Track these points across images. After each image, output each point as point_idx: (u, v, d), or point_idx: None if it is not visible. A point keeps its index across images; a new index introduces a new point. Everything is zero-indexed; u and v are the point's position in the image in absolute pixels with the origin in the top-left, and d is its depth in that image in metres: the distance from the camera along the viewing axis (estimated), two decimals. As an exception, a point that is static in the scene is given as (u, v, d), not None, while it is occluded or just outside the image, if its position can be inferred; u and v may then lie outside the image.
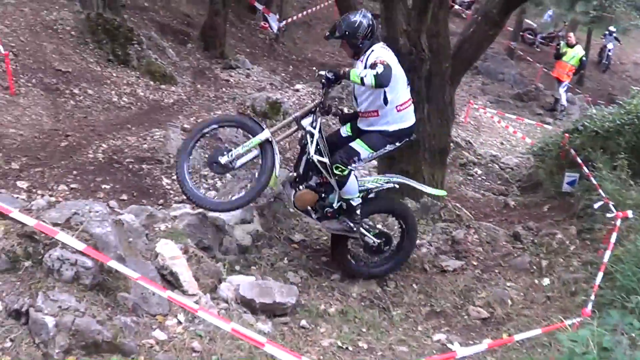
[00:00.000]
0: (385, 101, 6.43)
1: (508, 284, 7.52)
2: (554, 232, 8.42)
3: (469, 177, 13.09)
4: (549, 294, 7.24)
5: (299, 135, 6.79)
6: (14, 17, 13.24)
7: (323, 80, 6.35)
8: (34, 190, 8.39)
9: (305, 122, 6.58)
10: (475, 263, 7.82)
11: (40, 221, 5.62)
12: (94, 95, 12.08)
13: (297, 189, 6.84)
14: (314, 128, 6.57)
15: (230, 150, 6.60)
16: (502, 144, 16.66)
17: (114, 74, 13.01)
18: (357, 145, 6.57)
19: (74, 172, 9.07)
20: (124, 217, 6.52)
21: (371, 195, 7.03)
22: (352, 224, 6.88)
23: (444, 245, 8.04)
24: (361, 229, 7.01)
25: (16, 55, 12.11)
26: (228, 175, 8.23)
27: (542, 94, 21.20)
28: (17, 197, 7.59)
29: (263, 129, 6.52)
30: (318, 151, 6.60)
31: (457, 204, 8.93)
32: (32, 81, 11.78)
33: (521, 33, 27.21)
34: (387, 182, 6.99)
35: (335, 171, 6.52)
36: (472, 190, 12.27)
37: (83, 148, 9.97)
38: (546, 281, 7.53)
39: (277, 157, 6.57)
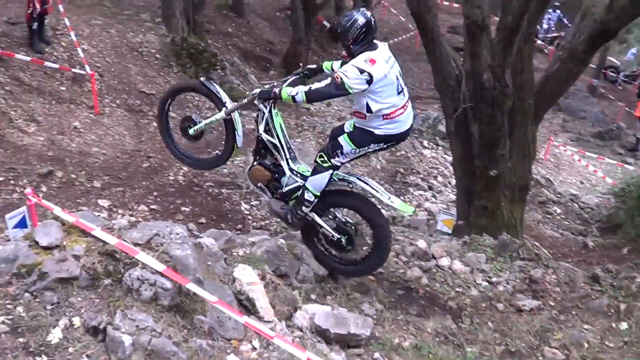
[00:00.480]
0: (369, 110, 6.26)
1: (585, 326, 7.27)
2: (634, 275, 8.13)
3: (548, 216, 12.83)
4: (626, 338, 6.97)
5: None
6: (100, 38, 13.57)
7: (256, 101, 6.55)
8: (114, 209, 8.54)
9: (259, 101, 6.61)
10: (552, 303, 7.61)
11: (121, 240, 5.69)
12: (176, 118, 12.21)
13: (252, 165, 7.01)
14: (265, 107, 6.62)
15: (197, 123, 7.19)
16: (582, 182, 16.32)
17: (197, 98, 13.17)
18: (343, 139, 6.48)
19: (155, 194, 9.21)
20: (204, 241, 6.52)
21: (333, 188, 6.86)
22: (290, 215, 6.92)
23: (520, 284, 7.85)
24: (315, 217, 6.89)
25: (102, 75, 12.43)
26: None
27: (624, 134, 20.73)
28: (99, 215, 7.72)
29: (224, 106, 6.88)
30: (268, 131, 6.72)
31: (536, 243, 8.72)
32: (117, 102, 12.07)
33: (603, 70, 26.71)
34: (341, 180, 6.79)
35: (318, 159, 6.56)
36: (551, 229, 12.02)
37: (164, 170, 10.15)
38: (624, 325, 7.26)
39: (239, 131, 7.01)
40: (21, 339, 4.73)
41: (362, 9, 6.32)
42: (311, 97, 6.12)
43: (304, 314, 6.32)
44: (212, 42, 16.18)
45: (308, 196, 6.70)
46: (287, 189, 6.93)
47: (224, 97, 7.00)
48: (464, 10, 8.46)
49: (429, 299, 7.30)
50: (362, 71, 5.98)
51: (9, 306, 5.22)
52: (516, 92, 8.70)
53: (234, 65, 15.60)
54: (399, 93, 6.31)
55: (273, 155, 6.89)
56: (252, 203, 9.79)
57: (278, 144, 6.78)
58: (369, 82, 5.99)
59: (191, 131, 7.23)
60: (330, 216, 6.99)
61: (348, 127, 6.73)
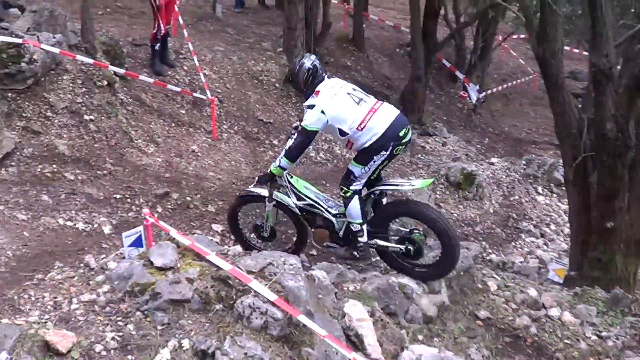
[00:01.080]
0: (343, 134, 6.81)
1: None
2: None
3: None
4: None
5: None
6: (222, 65, 13.73)
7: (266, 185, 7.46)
8: (227, 234, 8.50)
9: (264, 184, 7.47)
10: (660, 363, 7.20)
11: (235, 267, 5.67)
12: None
13: (312, 231, 7.71)
14: (284, 180, 7.44)
15: (263, 226, 7.93)
16: None
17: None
18: (351, 166, 7.00)
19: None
20: (316, 273, 6.49)
21: (385, 202, 7.44)
22: (354, 251, 7.43)
23: (630, 340, 7.42)
24: (378, 242, 7.38)
25: (221, 101, 12.53)
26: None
27: None
28: (212, 240, 7.71)
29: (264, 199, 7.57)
30: (299, 199, 7.47)
31: (649, 299, 8.28)
32: (234, 128, 12.12)
33: None
34: (367, 194, 7.31)
35: (341, 194, 7.13)
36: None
37: (277, 199, 10.02)
38: None
39: (291, 204, 7.59)
40: (130, 357, 4.74)
41: (307, 55, 7.12)
42: (291, 155, 6.94)
43: (410, 354, 6.23)
44: (332, 74, 16.17)
45: (355, 227, 7.22)
46: (342, 232, 7.51)
47: (259, 191, 7.65)
48: (590, 58, 8.27)
49: (536, 349, 7.10)
50: (312, 106, 6.72)
51: (120, 323, 5.20)
52: (638, 144, 8.32)
53: (351, 99, 15.51)
54: (358, 103, 6.82)
55: (316, 214, 7.52)
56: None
57: (314, 202, 7.45)
58: (323, 111, 6.65)
59: (265, 234, 7.95)
60: (389, 233, 7.44)
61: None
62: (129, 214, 8.44)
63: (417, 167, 13.90)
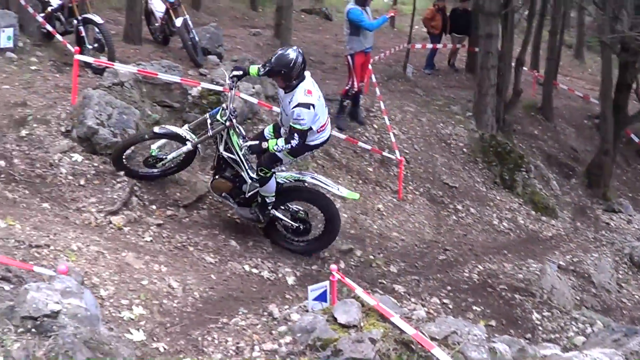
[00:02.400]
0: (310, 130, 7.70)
1: None
2: None
3: None
4: None
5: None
6: (411, 125, 13.77)
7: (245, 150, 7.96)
8: (408, 296, 8.42)
9: (247, 150, 7.92)
10: None
11: (419, 332, 5.58)
12: (476, 215, 12.03)
13: (214, 178, 8.24)
14: (223, 130, 7.87)
15: (163, 159, 8.29)
16: None
17: (498, 197, 12.89)
18: (283, 155, 7.83)
19: (448, 288, 8.98)
20: (498, 346, 6.26)
21: (289, 185, 8.38)
22: (260, 216, 8.32)
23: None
24: (276, 213, 8.42)
25: (408, 162, 12.53)
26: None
27: None
28: (396, 303, 7.64)
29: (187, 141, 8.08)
30: (227, 149, 7.97)
31: None
32: (420, 190, 12.09)
33: None
34: (297, 180, 8.36)
35: (260, 173, 7.89)
36: None
37: (459, 265, 9.91)
38: None
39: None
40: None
41: (291, 48, 7.66)
42: (297, 154, 8.05)
43: None
44: (518, 142, 15.86)
45: (268, 199, 8.18)
46: (249, 194, 8.24)
47: (184, 133, 8.12)
48: None
49: None
50: (308, 106, 7.45)
51: None
52: None
53: (537, 168, 15.13)
54: (325, 107, 8.02)
55: (233, 168, 8.13)
56: (544, 313, 9.21)
57: (238, 159, 8.04)
58: (316, 112, 7.58)
59: (159, 165, 8.37)
60: (287, 209, 8.53)
61: (268, 132, 8.36)
62: (313, 267, 8.59)
63: (600, 244, 13.27)
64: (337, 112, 12.59)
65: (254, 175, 8.10)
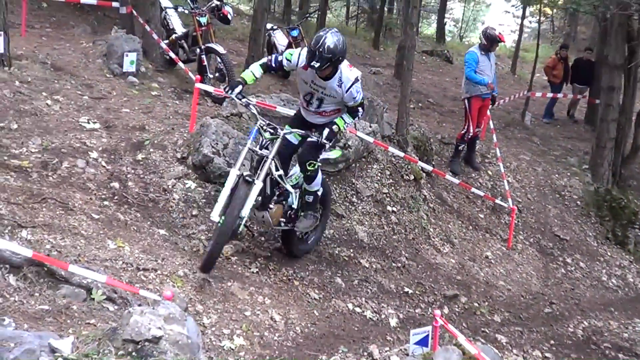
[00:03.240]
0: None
1: None
2: None
3: None
4: None
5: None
6: (525, 174, 13.80)
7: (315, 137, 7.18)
8: (510, 347, 8.47)
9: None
10: None
11: None
12: (585, 269, 11.92)
13: (269, 209, 7.35)
14: (269, 151, 7.10)
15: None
16: None
17: (608, 253, 12.71)
18: (318, 139, 7.13)
19: (551, 342, 8.98)
20: None
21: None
22: (317, 214, 7.93)
23: None
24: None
25: (520, 211, 12.56)
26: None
27: None
28: (498, 353, 7.69)
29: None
30: (276, 169, 7.27)
31: None
32: (530, 240, 12.09)
33: None
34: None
35: (309, 168, 7.28)
36: None
37: (565, 320, 9.86)
38: None
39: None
40: None
41: (325, 29, 6.83)
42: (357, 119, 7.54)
43: None
44: (633, 198, 15.57)
45: (320, 192, 7.78)
46: (296, 204, 7.78)
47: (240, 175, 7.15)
48: None
49: None
50: (358, 79, 7.03)
51: None
52: None
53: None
54: None
55: (277, 186, 7.43)
56: None
57: (282, 173, 7.41)
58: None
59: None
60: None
61: (294, 139, 7.49)
62: (416, 310, 8.69)
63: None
64: (452, 156, 12.76)
65: (294, 181, 7.68)
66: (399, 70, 17.31)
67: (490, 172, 13.17)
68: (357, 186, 9.93)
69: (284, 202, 7.62)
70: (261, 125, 7.17)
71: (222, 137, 8.78)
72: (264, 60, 7.39)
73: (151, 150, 8.75)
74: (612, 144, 14.57)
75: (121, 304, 5.61)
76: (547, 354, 8.66)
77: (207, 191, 8.41)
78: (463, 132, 12.48)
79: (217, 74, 11.56)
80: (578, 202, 13.63)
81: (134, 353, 4.17)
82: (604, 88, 14.72)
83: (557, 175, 14.20)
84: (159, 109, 10.26)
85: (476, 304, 9.29)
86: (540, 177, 13.89)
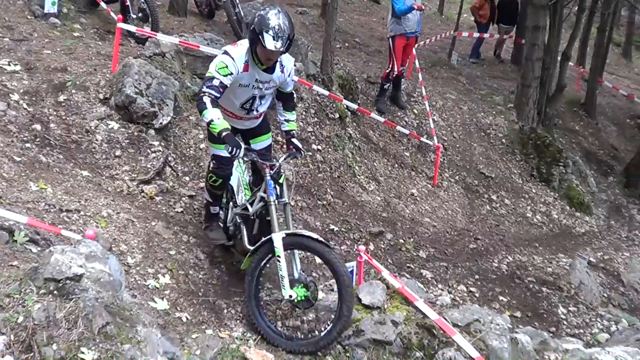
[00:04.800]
0: None
1: None
2: None
3: None
4: None
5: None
6: (451, 113, 13.79)
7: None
8: (435, 282, 8.48)
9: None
10: None
11: (442, 317, 5.68)
12: (510, 206, 12.03)
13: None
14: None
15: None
16: None
17: (533, 190, 12.85)
18: (267, 140, 6.56)
19: (476, 276, 9.07)
20: (520, 337, 6.31)
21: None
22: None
23: None
24: None
25: (446, 149, 12.57)
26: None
27: None
28: (421, 287, 7.69)
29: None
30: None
31: None
32: (455, 177, 12.13)
33: None
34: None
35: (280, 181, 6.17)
36: None
37: (489, 255, 9.96)
38: None
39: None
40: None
41: (273, 7, 5.72)
42: None
43: None
44: (558, 137, 15.75)
45: None
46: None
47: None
48: None
49: None
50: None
51: (319, 353, 5.42)
52: None
53: (575, 164, 15.01)
54: None
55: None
56: (570, 308, 9.26)
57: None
58: None
59: None
60: None
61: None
62: (342, 247, 8.61)
63: (632, 244, 13.14)
64: (378, 95, 12.62)
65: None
66: (325, 10, 16.97)
67: (416, 111, 13.09)
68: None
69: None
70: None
71: (145, 77, 8.47)
72: (207, 99, 5.59)
73: (73, 91, 8.43)
74: (537, 83, 14.62)
75: (44, 246, 5.39)
76: (472, 289, 8.74)
77: (130, 132, 8.12)
78: (388, 70, 12.34)
79: (140, 14, 11.13)
80: (503, 140, 13.71)
81: (55, 291, 4.09)
82: (529, 27, 14.70)
83: (482, 114, 14.22)
84: (81, 50, 9.87)
85: (401, 241, 9.25)
86: (465, 115, 13.88)
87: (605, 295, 10.10)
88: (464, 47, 19.60)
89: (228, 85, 5.72)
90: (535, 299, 9.18)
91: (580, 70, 19.90)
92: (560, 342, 7.17)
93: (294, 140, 6.28)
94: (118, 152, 7.83)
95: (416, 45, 12.98)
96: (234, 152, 5.49)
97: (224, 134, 5.45)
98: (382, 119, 11.41)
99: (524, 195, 12.60)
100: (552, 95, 15.95)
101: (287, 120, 6.42)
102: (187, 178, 8.17)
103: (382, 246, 8.99)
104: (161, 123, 8.25)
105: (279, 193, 5.99)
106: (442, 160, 12.08)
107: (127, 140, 8.03)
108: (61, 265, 4.21)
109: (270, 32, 5.53)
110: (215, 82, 5.64)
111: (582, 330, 8.95)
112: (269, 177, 5.87)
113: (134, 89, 8.26)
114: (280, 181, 6.10)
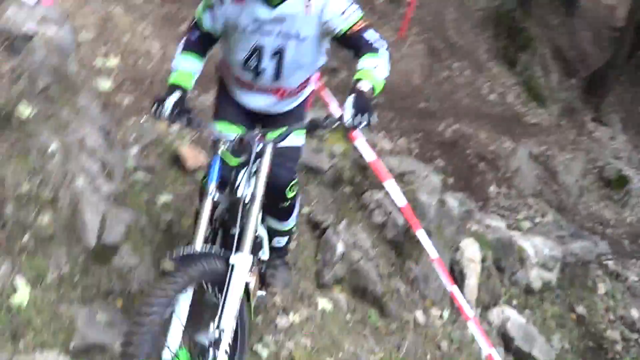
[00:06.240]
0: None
1: None
2: None
3: None
4: None
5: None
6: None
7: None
8: (377, 130, 8.39)
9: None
10: None
11: (379, 159, 5.64)
12: (469, 78, 11.88)
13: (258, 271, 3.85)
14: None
15: None
16: None
17: (495, 69, 12.72)
18: (296, 137, 3.79)
19: (419, 135, 9.05)
20: (449, 200, 6.55)
21: None
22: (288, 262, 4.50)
23: None
24: None
25: (419, 7, 12.09)
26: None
27: None
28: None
29: None
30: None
31: None
32: (422, 36, 11.81)
33: None
34: None
35: (289, 195, 3.84)
36: None
37: (437, 118, 9.95)
38: None
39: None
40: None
41: None
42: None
43: (499, 313, 6.44)
44: (535, 25, 15.50)
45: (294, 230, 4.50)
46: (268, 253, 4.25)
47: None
48: None
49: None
50: None
51: None
52: None
53: (542, 56, 14.88)
54: None
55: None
56: (502, 189, 9.48)
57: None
58: None
59: None
60: None
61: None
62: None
63: (577, 148, 13.23)
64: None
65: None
66: None
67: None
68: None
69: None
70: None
71: None
72: (181, 43, 3.84)
73: None
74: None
75: None
76: (412, 145, 8.80)
77: None
78: None
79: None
80: (480, 13, 13.45)
81: (2, 47, 3.99)
82: None
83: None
84: None
85: (354, 81, 9.04)
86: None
87: (538, 188, 10.23)
88: None
89: (208, 27, 3.71)
90: (471, 172, 9.31)
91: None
92: (484, 216, 7.37)
93: (351, 97, 3.27)
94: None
95: None
96: (155, 109, 3.64)
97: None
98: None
99: (485, 72, 12.48)
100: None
101: (360, 70, 3.53)
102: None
103: (334, 84, 8.77)
104: None
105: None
106: (413, 16, 11.70)
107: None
108: (13, 22, 4.10)
109: None
110: (194, 22, 3.79)
111: (508, 213, 9.14)
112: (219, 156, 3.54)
113: None
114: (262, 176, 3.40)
